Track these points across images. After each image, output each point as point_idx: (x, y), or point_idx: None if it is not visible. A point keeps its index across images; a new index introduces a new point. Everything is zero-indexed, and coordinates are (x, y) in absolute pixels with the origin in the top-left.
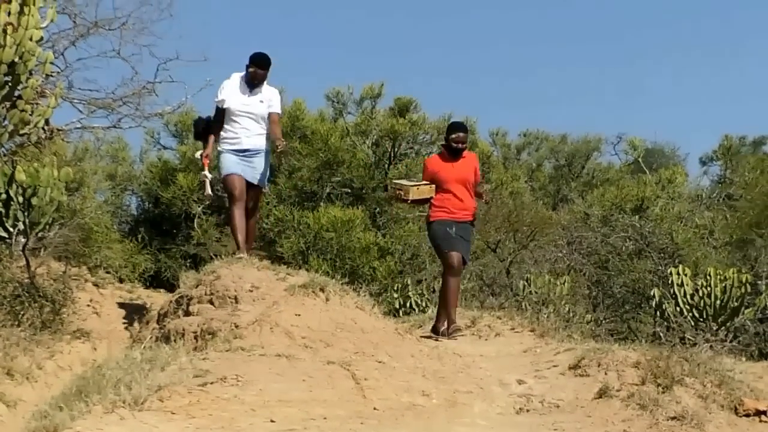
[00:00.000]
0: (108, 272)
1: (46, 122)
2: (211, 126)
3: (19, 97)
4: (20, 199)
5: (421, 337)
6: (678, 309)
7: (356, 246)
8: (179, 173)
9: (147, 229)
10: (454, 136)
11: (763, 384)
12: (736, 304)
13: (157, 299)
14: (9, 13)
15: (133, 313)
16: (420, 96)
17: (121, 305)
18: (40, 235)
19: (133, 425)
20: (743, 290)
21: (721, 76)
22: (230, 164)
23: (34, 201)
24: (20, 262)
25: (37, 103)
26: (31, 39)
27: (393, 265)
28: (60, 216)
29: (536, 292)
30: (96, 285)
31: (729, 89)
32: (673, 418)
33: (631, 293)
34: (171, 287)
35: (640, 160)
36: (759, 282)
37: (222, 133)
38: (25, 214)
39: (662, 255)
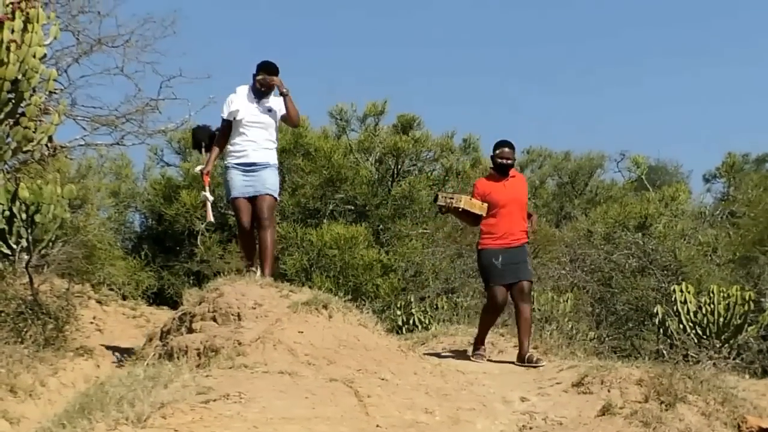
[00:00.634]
0: (111, 289)
1: (50, 139)
2: (214, 140)
3: (23, 114)
4: (23, 216)
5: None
6: (681, 326)
7: (359, 263)
8: (182, 190)
9: (150, 246)
10: (498, 151)
11: (766, 401)
12: (739, 321)
13: (160, 316)
14: (12, 30)
15: (136, 330)
16: (423, 114)
17: (124, 322)
18: (43, 252)
19: None
20: (746, 308)
21: (724, 93)
22: (236, 185)
23: (38, 218)
24: (23, 279)
25: (40, 120)
26: (34, 56)
27: (396, 282)
28: (63, 233)
29: (539, 309)
30: (99, 302)
31: (733, 106)
32: None
33: (634, 310)
34: (174, 304)
35: (643, 177)
36: (762, 299)
37: (228, 146)
38: (29, 231)
39: (665, 272)
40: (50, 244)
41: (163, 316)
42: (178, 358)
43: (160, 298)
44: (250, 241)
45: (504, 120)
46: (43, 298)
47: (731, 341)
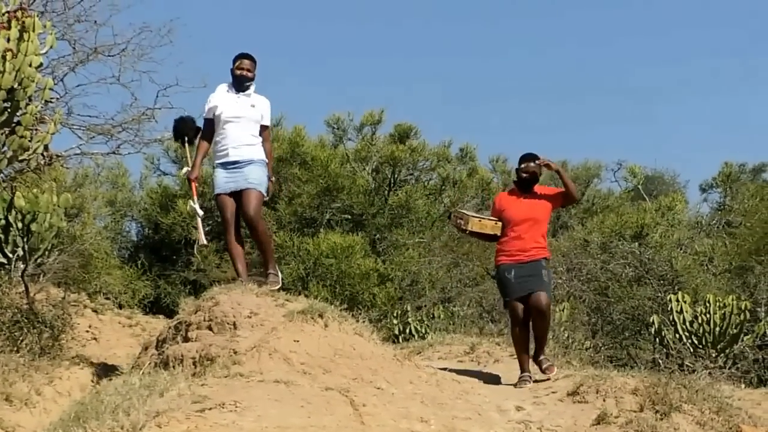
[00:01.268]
0: (107, 298)
1: (46, 148)
2: (199, 138)
3: (19, 123)
4: (19, 225)
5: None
6: (677, 336)
7: (356, 272)
8: (179, 199)
9: (147, 255)
10: (523, 166)
11: (761, 411)
12: (735, 331)
13: (156, 325)
14: (8, 39)
15: (132, 338)
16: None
17: (120, 331)
18: (39, 261)
19: None
20: (742, 317)
21: (721, 103)
22: (218, 182)
23: (34, 227)
24: (19, 288)
25: (36, 129)
26: (30, 65)
27: (393, 291)
28: (59, 242)
29: None
30: (95, 311)
31: (729, 117)
32: None
33: (631, 320)
34: (170, 313)
35: (639, 187)
36: (758, 309)
37: (214, 145)
38: (25, 240)
39: (662, 282)
40: (46, 253)
41: (159, 325)
42: (173, 366)
43: (156, 307)
44: (235, 244)
45: (502, 129)
46: (39, 306)
47: (727, 351)
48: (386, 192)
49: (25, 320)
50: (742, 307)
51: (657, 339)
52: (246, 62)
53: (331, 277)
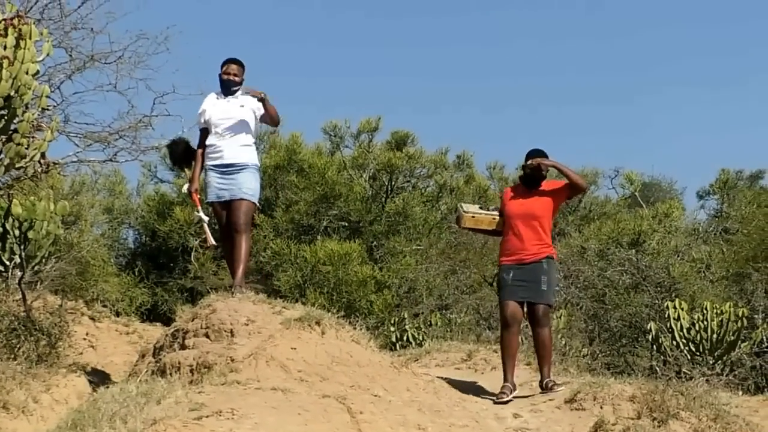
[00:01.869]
0: (104, 306)
1: (43, 156)
2: (195, 152)
3: (15, 130)
4: (16, 232)
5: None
6: (674, 343)
7: (353, 279)
8: (176, 207)
9: (144, 263)
10: (529, 162)
11: (758, 418)
12: (732, 338)
13: (153, 333)
14: (5, 47)
15: (129, 346)
16: (416, 130)
17: (117, 339)
18: (36, 268)
19: None
20: (740, 324)
21: (718, 110)
22: (212, 189)
23: (31, 234)
24: (16, 296)
25: (33, 137)
26: (27, 72)
27: (390, 298)
28: (57, 249)
29: None
30: (92, 319)
31: (726, 124)
32: None
33: (628, 327)
34: (167, 321)
35: (637, 194)
36: (755, 316)
37: (207, 149)
38: (22, 247)
39: (659, 289)
40: (43, 260)
41: (156, 332)
42: (170, 374)
43: (153, 314)
44: (229, 250)
45: (499, 136)
46: (36, 314)
47: (724, 358)
48: (383, 199)
49: (22, 328)
50: (740, 314)
51: (654, 346)
52: (233, 67)
53: (328, 284)
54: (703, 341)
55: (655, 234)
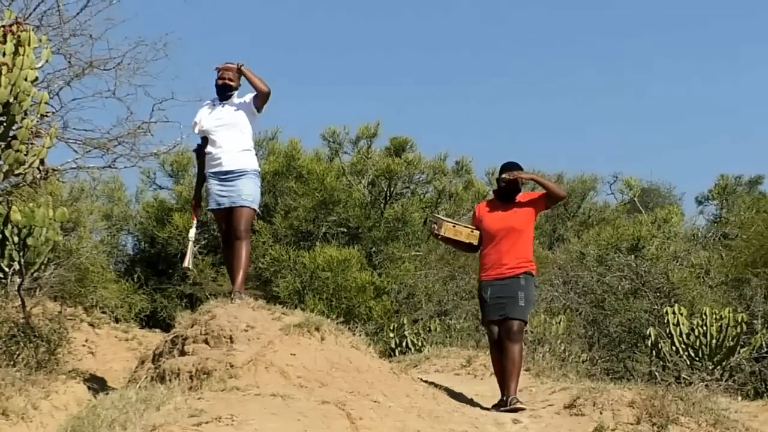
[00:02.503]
0: (104, 312)
1: (42, 162)
2: (198, 165)
3: (14, 137)
4: (16, 239)
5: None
6: (674, 348)
7: (352, 285)
8: (175, 213)
9: (143, 269)
10: (505, 175)
11: (758, 423)
12: (731, 343)
13: (152, 339)
14: (4, 54)
15: (128, 352)
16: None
17: (117, 345)
18: (35, 275)
19: None
20: (739, 330)
21: (717, 115)
22: (212, 195)
23: (30, 241)
24: (16, 302)
25: (32, 143)
26: (26, 79)
27: (389, 304)
28: (56, 256)
29: (532, 332)
30: (92, 325)
31: (725, 129)
32: None
33: (627, 332)
34: (167, 327)
35: (636, 199)
36: (755, 321)
37: (206, 156)
38: (21, 254)
39: (658, 294)
40: (42, 267)
41: (156, 338)
42: (170, 380)
43: (152, 320)
44: (229, 256)
45: (497, 142)
46: (36, 321)
47: (723, 363)
48: (382, 205)
49: (22, 334)
50: (739, 320)
51: (653, 351)
52: (227, 72)
53: (327, 290)
54: (703, 346)
55: (654, 239)
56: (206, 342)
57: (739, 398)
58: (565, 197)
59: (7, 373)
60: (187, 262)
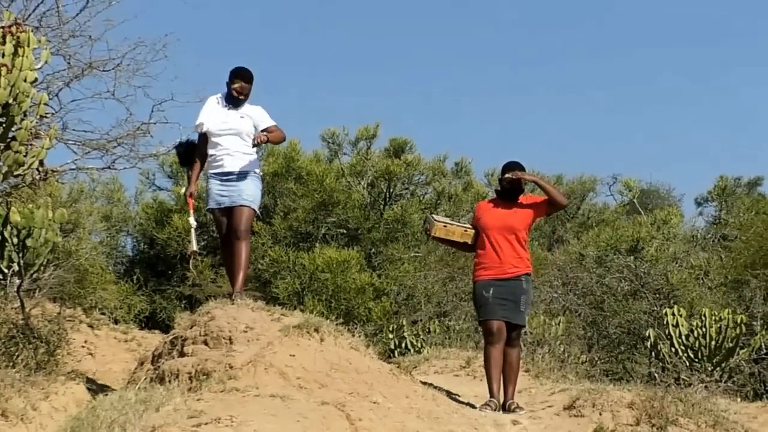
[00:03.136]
0: (103, 313)
1: (41, 163)
2: (194, 156)
3: (14, 138)
4: (15, 240)
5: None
6: (673, 349)
7: (351, 287)
8: (174, 214)
9: (142, 270)
10: (508, 175)
11: (757, 424)
12: (731, 344)
13: (151, 340)
14: (3, 55)
15: (128, 354)
16: (414, 137)
17: (116, 346)
18: (34, 276)
19: None
20: (738, 331)
21: (716, 116)
22: (212, 195)
23: (29, 242)
24: (15, 304)
25: (31, 145)
26: (25, 80)
27: (388, 305)
28: (55, 257)
29: (531, 333)
30: (91, 326)
31: (725, 130)
32: None
33: (626, 334)
34: (166, 328)
35: (635, 200)
36: (754, 323)
37: (207, 157)
38: (20, 255)
39: (657, 295)
40: (42, 268)
41: (155, 340)
42: (169, 381)
43: (151, 322)
44: (228, 257)
45: (497, 143)
46: (35, 322)
47: (723, 364)
48: (381, 206)
49: (21, 335)
50: (738, 321)
51: (653, 353)
52: (244, 86)
53: (326, 291)
54: (702, 348)
55: (653, 241)
56: (205, 343)
57: (739, 399)
58: (566, 205)
59: (7, 375)
60: (194, 245)
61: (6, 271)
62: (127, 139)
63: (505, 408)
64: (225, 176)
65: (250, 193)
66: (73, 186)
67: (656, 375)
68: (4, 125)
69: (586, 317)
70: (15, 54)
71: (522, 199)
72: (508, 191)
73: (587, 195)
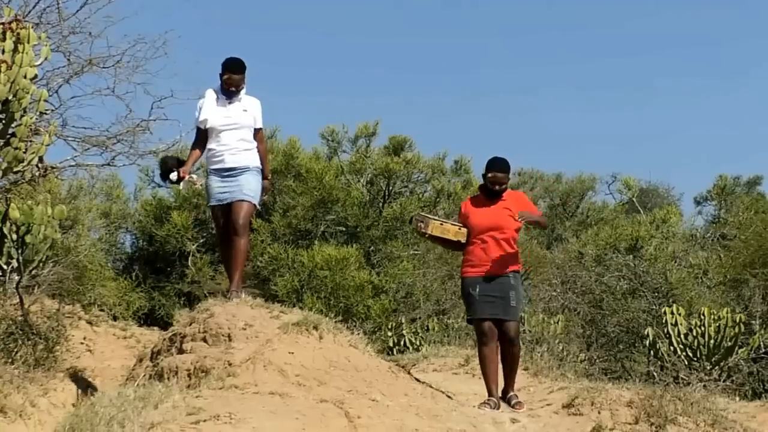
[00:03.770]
0: (102, 310)
1: (40, 160)
2: (190, 150)
3: (13, 134)
4: (14, 236)
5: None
6: (672, 348)
7: (350, 284)
8: (173, 211)
9: (141, 267)
10: (491, 175)
11: (755, 423)
12: (729, 343)
13: (150, 337)
14: (3, 51)
15: (127, 350)
16: (414, 134)
17: (115, 343)
18: (33, 272)
19: None
20: (737, 330)
21: (716, 116)
22: (213, 191)
23: (28, 239)
24: (14, 300)
25: (31, 141)
26: (25, 77)
27: (387, 303)
28: (54, 254)
29: (530, 331)
30: (90, 323)
31: (724, 129)
32: None
33: (625, 332)
34: (165, 325)
35: (634, 199)
36: (753, 322)
37: (207, 152)
38: (19, 251)
39: (656, 294)
40: (41, 264)
41: (154, 336)
42: (168, 378)
43: (150, 318)
44: (227, 253)
45: (496, 141)
46: (34, 318)
47: (722, 363)
48: (381, 204)
49: (20, 332)
50: (737, 320)
51: (652, 351)
52: (234, 78)
53: (325, 289)
54: (701, 347)
55: (652, 240)
56: (204, 340)
57: (737, 398)
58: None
59: (5, 371)
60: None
61: (5, 267)
62: (126, 136)
63: (505, 400)
64: (225, 172)
65: (250, 188)
66: (72, 182)
67: (655, 374)
68: (3, 122)
69: (585, 316)
70: (15, 50)
71: (507, 196)
72: (494, 192)
73: (586, 194)
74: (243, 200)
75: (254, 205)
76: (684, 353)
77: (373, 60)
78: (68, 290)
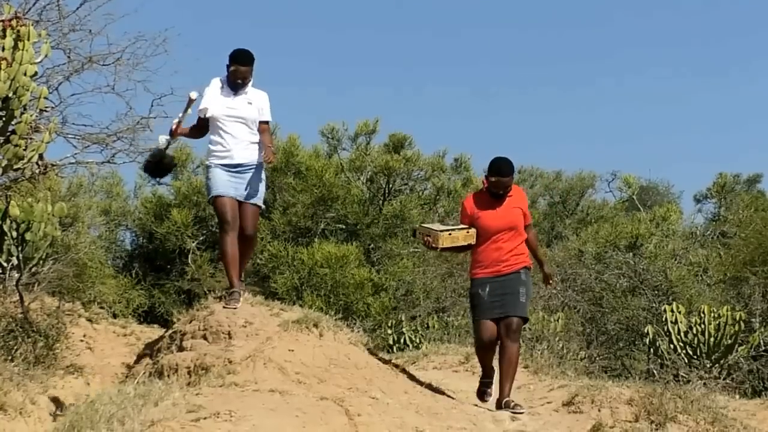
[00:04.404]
0: (102, 307)
1: (40, 157)
2: (173, 161)
3: (13, 132)
4: (14, 234)
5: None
6: (672, 346)
7: (350, 282)
8: (173, 209)
9: (141, 265)
10: (494, 180)
11: (756, 421)
12: (729, 341)
13: (150, 335)
14: (3, 48)
15: (127, 348)
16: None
17: (115, 341)
18: (33, 270)
19: None
20: (737, 328)
21: (715, 114)
22: (219, 183)
23: (28, 236)
24: (14, 297)
25: (31, 138)
26: (25, 74)
27: (387, 301)
28: (54, 251)
29: (530, 329)
30: (89, 320)
31: (724, 127)
32: None
33: (625, 330)
34: (165, 323)
35: (634, 197)
36: (753, 320)
37: (209, 145)
38: (19, 249)
39: (656, 292)
40: (41, 262)
41: (154, 334)
42: (168, 376)
43: (150, 316)
44: (233, 252)
45: (495, 139)
46: (34, 316)
47: (722, 361)
48: (381, 202)
49: (20, 329)
50: (737, 318)
51: (651, 349)
52: (241, 70)
53: (325, 286)
54: (701, 345)
55: (652, 237)
56: (204, 338)
57: (737, 396)
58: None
59: (5, 368)
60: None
61: (5, 264)
62: (126, 134)
63: (501, 405)
64: (234, 168)
65: (261, 190)
66: (72, 180)
67: (655, 371)
68: (3, 119)
69: (584, 314)
70: (15, 48)
71: (512, 192)
72: (500, 194)
73: (586, 191)
74: (254, 203)
75: (261, 207)
76: (684, 351)
77: (373, 59)
78: (68, 288)
